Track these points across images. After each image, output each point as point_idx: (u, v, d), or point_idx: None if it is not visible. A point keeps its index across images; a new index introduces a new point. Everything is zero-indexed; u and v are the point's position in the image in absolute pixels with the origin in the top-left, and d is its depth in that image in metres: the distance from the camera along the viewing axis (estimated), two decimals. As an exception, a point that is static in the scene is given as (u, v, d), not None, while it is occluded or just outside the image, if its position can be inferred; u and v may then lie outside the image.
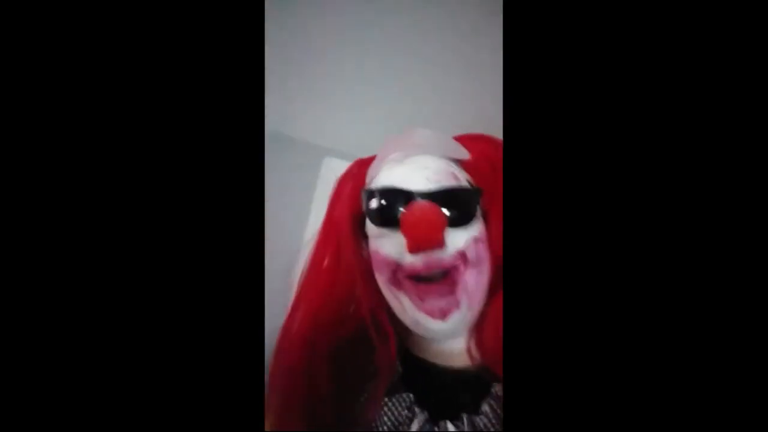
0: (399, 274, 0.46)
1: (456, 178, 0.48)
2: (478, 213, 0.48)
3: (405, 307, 0.46)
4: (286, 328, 0.51)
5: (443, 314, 0.45)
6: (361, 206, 0.50)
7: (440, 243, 0.44)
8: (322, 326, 0.49)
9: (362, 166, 0.55)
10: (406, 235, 0.44)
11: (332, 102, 1.46)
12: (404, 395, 0.46)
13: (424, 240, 0.44)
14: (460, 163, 0.50)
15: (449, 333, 0.47)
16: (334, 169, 1.62)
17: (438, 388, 0.47)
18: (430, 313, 0.45)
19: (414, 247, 0.44)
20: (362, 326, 0.48)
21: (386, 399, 0.46)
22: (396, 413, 0.45)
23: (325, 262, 0.53)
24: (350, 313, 0.50)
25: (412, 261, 0.45)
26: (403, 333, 0.52)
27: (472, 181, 0.49)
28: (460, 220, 0.46)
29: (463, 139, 0.52)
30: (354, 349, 0.48)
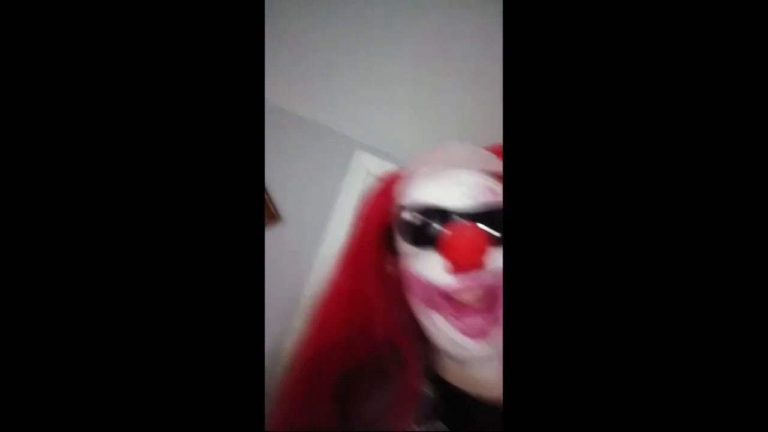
0: (433, 293, 0.44)
1: (494, 193, 0.45)
2: None
3: (439, 326, 0.44)
4: (299, 346, 0.49)
5: (481, 333, 0.42)
6: (390, 222, 0.49)
7: (482, 264, 0.42)
8: (334, 347, 0.47)
9: (390, 182, 0.53)
10: (448, 257, 0.42)
11: (370, 97, 1.44)
12: (436, 424, 0.43)
13: (467, 263, 0.42)
14: (495, 175, 0.47)
15: (485, 354, 0.43)
16: (365, 163, 1.61)
17: (470, 419, 0.44)
18: (467, 332, 0.42)
19: (457, 269, 0.42)
20: (377, 352, 0.46)
21: (416, 427, 0.43)
22: None
23: (345, 280, 0.51)
24: (364, 339, 0.48)
25: (451, 281, 0.43)
26: (435, 357, 0.49)
27: None
28: (500, 238, 0.44)
29: (497, 150, 0.49)
30: (364, 380, 0.46)
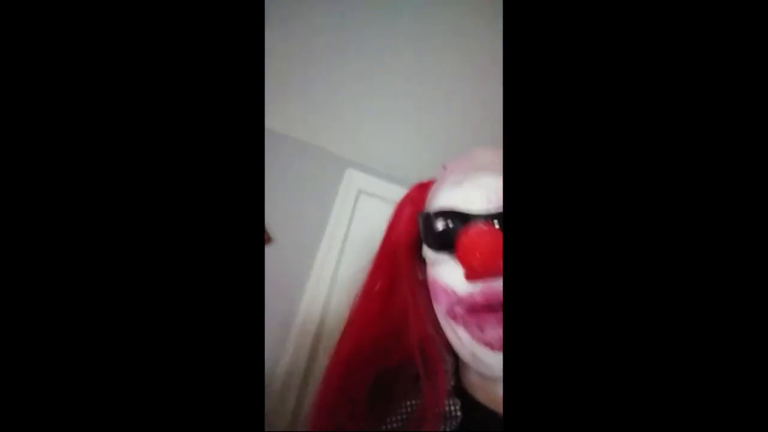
0: (456, 303, 0.42)
1: None
2: None
3: (462, 338, 0.42)
4: (334, 353, 0.48)
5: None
6: (419, 231, 0.48)
7: (499, 269, 0.40)
8: (367, 354, 0.46)
9: (421, 190, 0.53)
10: (463, 261, 0.40)
11: (358, 114, 1.46)
12: None
13: (482, 266, 0.39)
14: None
15: None
16: (355, 181, 1.62)
17: None
18: (490, 345, 0.40)
19: (471, 275, 0.40)
20: (410, 358, 0.45)
21: None
22: None
23: (377, 287, 0.50)
24: (399, 343, 0.46)
25: (471, 291, 0.41)
26: (462, 373, 0.48)
27: None
28: None
29: None
30: (399, 382, 0.45)
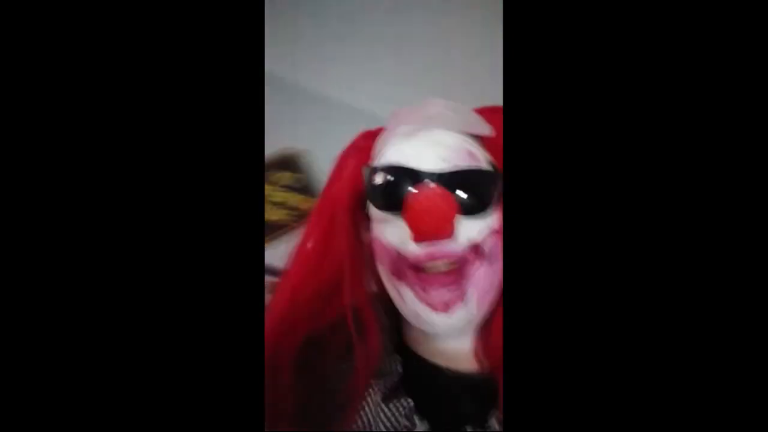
0: (401, 264, 0.42)
1: (474, 157, 0.42)
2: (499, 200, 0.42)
3: (405, 298, 0.42)
4: (267, 311, 0.46)
5: (446, 307, 0.40)
6: (364, 185, 0.45)
7: (448, 233, 0.39)
8: (296, 317, 0.45)
9: (368, 139, 0.49)
10: (410, 223, 0.39)
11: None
12: (403, 401, 0.41)
13: (430, 230, 0.39)
14: (480, 140, 0.44)
15: (452, 329, 0.42)
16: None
17: (440, 393, 0.43)
18: (432, 306, 0.41)
19: (419, 237, 0.39)
20: (341, 319, 0.44)
21: (383, 405, 0.42)
22: (393, 422, 0.41)
23: (310, 243, 0.47)
24: (330, 304, 0.45)
25: (415, 250, 0.40)
26: (404, 329, 0.47)
27: (493, 162, 0.43)
28: (476, 207, 0.41)
29: (486, 112, 0.45)
30: (331, 342, 0.44)
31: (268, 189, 1.50)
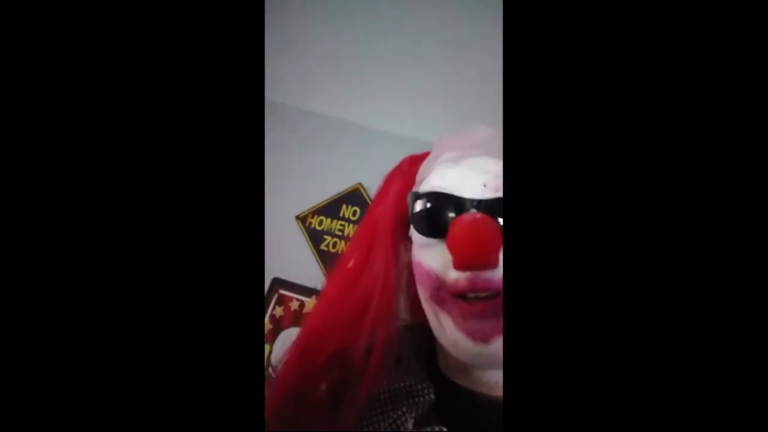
0: (441, 290, 0.41)
1: None
2: None
3: (444, 325, 0.41)
4: (303, 324, 0.48)
5: (486, 337, 0.39)
6: (407, 210, 0.45)
7: (493, 262, 0.38)
8: (325, 334, 0.45)
9: (413, 164, 0.50)
10: (453, 250, 0.39)
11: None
12: (436, 428, 0.40)
13: (474, 258, 0.38)
14: None
15: (490, 360, 0.40)
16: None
17: (475, 421, 0.41)
18: (471, 335, 0.39)
19: (461, 265, 0.39)
20: (366, 340, 0.43)
21: (412, 429, 0.40)
22: None
23: (351, 264, 0.48)
24: (358, 324, 0.44)
25: (457, 278, 0.40)
26: (439, 356, 0.47)
27: None
28: None
29: None
30: (351, 364, 0.44)
31: (335, 223, 1.59)
